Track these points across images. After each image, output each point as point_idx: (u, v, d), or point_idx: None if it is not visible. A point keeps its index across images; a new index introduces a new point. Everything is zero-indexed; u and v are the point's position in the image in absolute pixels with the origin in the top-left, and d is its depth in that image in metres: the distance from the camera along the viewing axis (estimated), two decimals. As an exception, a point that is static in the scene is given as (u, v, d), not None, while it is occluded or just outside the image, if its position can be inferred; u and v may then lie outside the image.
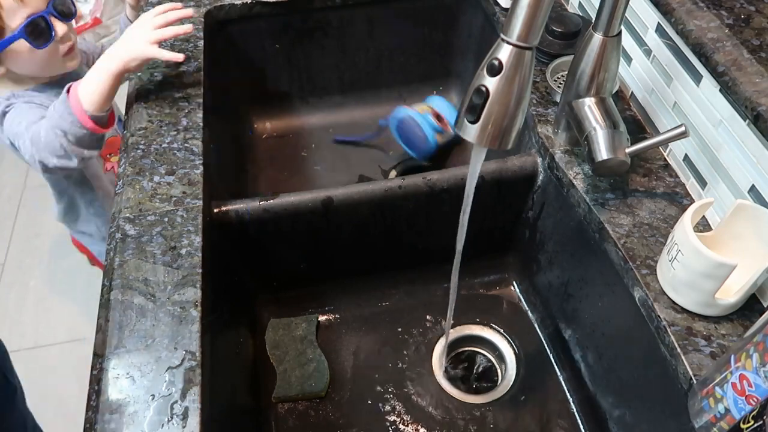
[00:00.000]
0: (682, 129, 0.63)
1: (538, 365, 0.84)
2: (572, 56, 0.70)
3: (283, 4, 1.00)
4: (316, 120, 1.14)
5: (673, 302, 0.60)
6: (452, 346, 0.86)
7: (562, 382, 0.82)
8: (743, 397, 0.45)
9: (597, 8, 0.65)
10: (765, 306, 0.60)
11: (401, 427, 0.79)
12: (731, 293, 0.58)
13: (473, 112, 0.54)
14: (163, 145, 0.76)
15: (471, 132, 0.55)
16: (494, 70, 0.52)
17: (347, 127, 1.13)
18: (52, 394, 1.55)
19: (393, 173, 1.06)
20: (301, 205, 0.77)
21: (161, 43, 0.83)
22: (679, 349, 0.57)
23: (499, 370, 0.84)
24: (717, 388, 0.48)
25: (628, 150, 0.66)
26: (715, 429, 0.49)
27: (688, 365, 0.56)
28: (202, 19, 0.94)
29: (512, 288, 0.92)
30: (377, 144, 1.09)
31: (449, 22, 1.10)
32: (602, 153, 0.66)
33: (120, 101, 0.90)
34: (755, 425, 0.44)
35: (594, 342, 0.76)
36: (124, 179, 0.73)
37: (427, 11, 1.08)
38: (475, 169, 0.61)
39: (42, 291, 1.78)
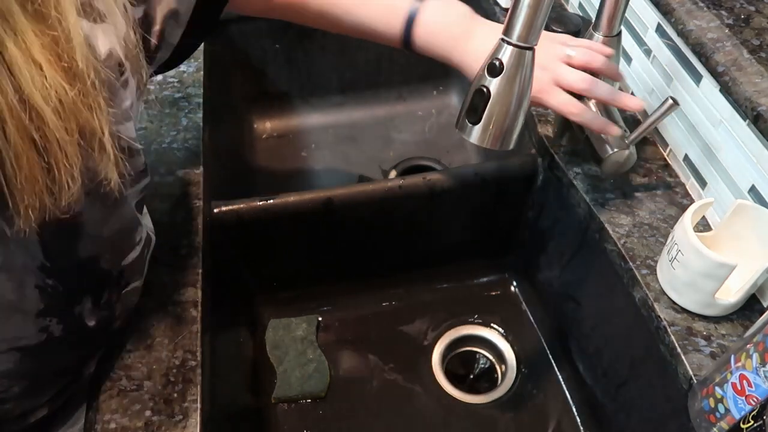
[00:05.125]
0: (670, 102, 0.62)
1: (538, 365, 0.84)
2: (572, 56, 0.70)
3: (283, 4, 1.00)
4: (316, 120, 1.14)
5: (673, 302, 0.60)
6: (452, 346, 0.86)
7: (562, 382, 0.82)
8: (743, 397, 0.45)
9: (597, 8, 0.65)
10: (765, 306, 0.60)
11: (401, 427, 0.79)
12: (731, 293, 0.58)
13: (474, 112, 0.54)
14: (163, 145, 0.76)
15: (472, 133, 0.55)
16: (495, 71, 0.52)
17: (347, 127, 1.13)
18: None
19: (393, 173, 1.06)
20: (301, 205, 0.77)
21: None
22: (679, 349, 0.57)
23: (499, 370, 0.84)
24: (717, 388, 0.48)
25: (627, 140, 0.66)
26: (715, 429, 0.49)
27: (688, 365, 0.56)
28: (202, 19, 0.94)
29: (512, 288, 0.92)
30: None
31: (449, 22, 1.10)
32: (609, 147, 0.65)
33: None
34: (755, 425, 0.44)
35: (594, 342, 0.76)
36: (124, 179, 0.73)
37: (427, 11, 1.08)
38: None
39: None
